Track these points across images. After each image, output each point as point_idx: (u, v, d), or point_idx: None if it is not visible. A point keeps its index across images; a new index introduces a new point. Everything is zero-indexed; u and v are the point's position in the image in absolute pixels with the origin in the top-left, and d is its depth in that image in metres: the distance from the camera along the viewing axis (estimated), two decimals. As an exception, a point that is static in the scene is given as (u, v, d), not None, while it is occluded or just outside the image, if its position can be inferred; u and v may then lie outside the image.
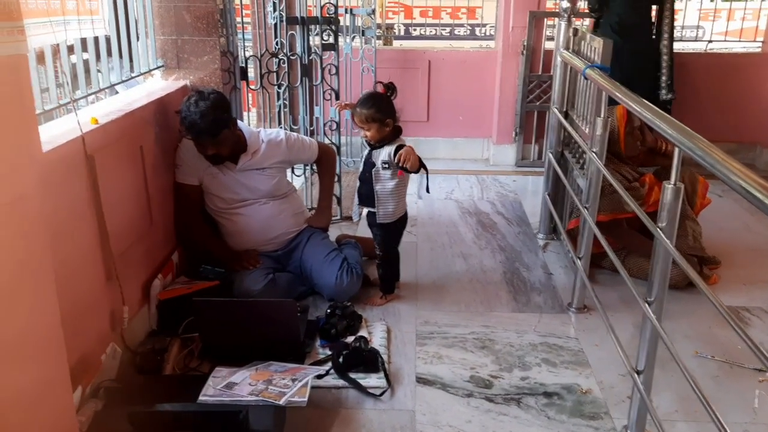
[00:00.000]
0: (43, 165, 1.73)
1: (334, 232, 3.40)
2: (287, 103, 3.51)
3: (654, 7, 4.14)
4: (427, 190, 2.70)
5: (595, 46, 2.81)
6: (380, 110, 2.53)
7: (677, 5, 4.46)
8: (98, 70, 2.32)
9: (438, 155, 4.93)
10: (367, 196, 2.67)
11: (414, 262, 3.16)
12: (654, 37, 4.16)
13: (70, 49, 2.19)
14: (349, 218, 3.71)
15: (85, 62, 2.26)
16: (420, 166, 2.51)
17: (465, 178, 4.51)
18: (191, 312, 2.28)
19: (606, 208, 2.83)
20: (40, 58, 2.05)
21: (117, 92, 2.66)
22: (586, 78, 2.67)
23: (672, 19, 4.16)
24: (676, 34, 4.46)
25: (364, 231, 3.12)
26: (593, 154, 2.50)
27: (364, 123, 2.54)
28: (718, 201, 3.67)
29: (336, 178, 3.56)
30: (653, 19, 4.16)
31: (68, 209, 1.89)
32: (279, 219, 2.79)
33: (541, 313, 2.72)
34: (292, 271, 2.81)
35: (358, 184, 2.72)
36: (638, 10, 4.09)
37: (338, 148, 3.62)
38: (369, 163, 2.64)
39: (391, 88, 2.59)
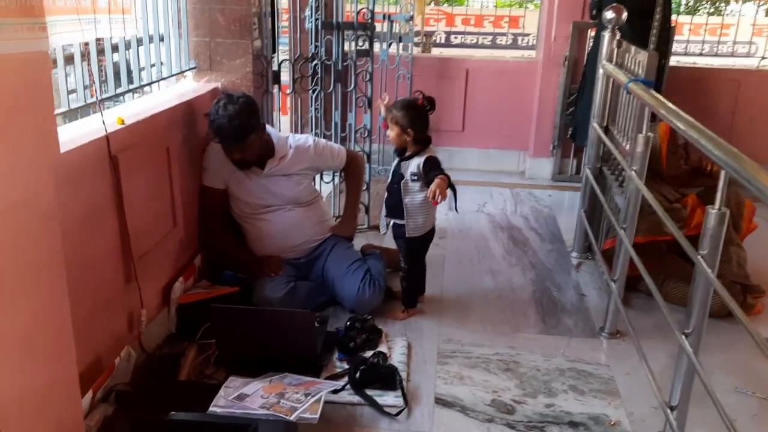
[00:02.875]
0: (64, 164, 1.72)
1: (359, 241, 3.34)
2: (320, 108, 3.47)
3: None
4: (455, 210, 2.61)
5: (640, 59, 2.69)
6: (405, 116, 2.48)
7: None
8: (130, 70, 2.30)
9: (471, 166, 4.83)
10: (394, 207, 2.60)
11: (440, 276, 3.07)
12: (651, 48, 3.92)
13: (104, 50, 2.19)
14: (376, 227, 3.64)
15: (115, 64, 2.25)
16: (448, 186, 2.44)
17: (498, 191, 4.40)
18: (209, 318, 2.24)
19: (644, 230, 2.71)
20: (69, 58, 2.04)
21: (149, 91, 2.66)
22: (629, 92, 2.56)
23: (665, 33, 3.93)
24: (726, 49, 4.27)
25: (390, 241, 3.05)
26: (633, 172, 2.38)
27: (389, 122, 2.53)
28: (766, 226, 3.49)
29: (364, 186, 3.51)
30: (654, 30, 3.93)
31: (89, 209, 1.87)
32: (303, 226, 2.74)
33: (571, 337, 2.61)
34: (314, 280, 2.76)
35: (385, 195, 2.65)
36: (631, 22, 3.83)
37: (368, 156, 3.57)
38: (397, 174, 2.57)
39: (429, 101, 2.52)
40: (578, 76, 4.44)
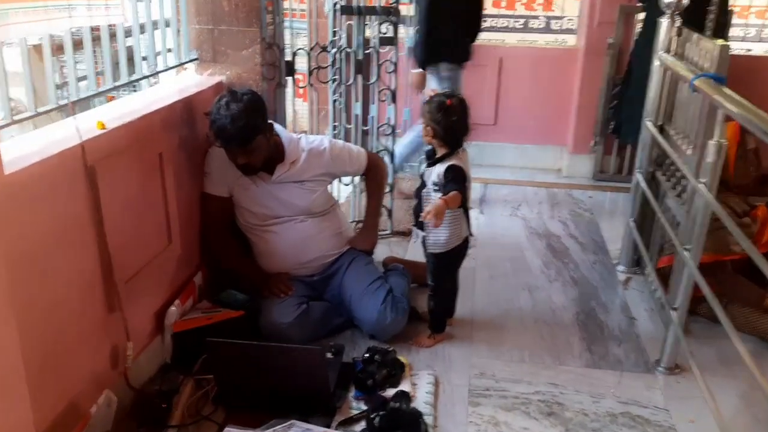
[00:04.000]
0: (26, 180, 1.44)
1: (382, 250, 3.03)
2: (342, 99, 3.15)
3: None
4: (470, 233, 2.32)
5: (708, 50, 2.31)
6: (436, 118, 2.18)
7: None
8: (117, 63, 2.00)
9: (504, 162, 4.47)
10: (419, 217, 2.28)
11: (470, 293, 2.74)
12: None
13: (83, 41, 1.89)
14: (401, 233, 3.33)
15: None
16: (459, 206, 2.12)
17: (534, 191, 4.04)
18: (205, 351, 1.95)
19: (710, 248, 2.34)
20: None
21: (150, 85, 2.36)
22: (694, 90, 2.18)
23: (723, 17, 3.50)
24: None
25: (417, 252, 2.72)
26: (702, 186, 2.02)
27: (423, 121, 2.24)
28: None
29: (388, 188, 3.19)
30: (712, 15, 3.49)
31: (60, 231, 1.58)
32: (317, 239, 2.42)
33: (622, 372, 2.26)
34: (330, 299, 2.45)
35: (415, 201, 2.34)
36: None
37: (392, 154, 3.25)
38: (423, 182, 2.26)
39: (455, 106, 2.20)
40: (623, 66, 4.04)
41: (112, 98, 2.22)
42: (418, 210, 2.30)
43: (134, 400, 1.92)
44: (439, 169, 2.18)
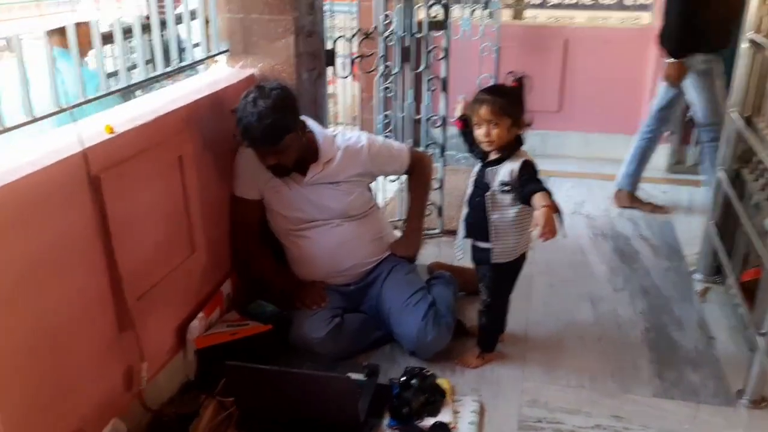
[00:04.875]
0: (17, 195, 1.30)
1: (430, 251, 2.82)
2: (394, 86, 2.94)
3: None
4: (565, 236, 1.93)
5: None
6: (514, 102, 1.89)
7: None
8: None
9: (568, 152, 4.15)
10: (477, 226, 2.01)
11: (526, 304, 2.48)
12: None
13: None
14: (451, 232, 3.09)
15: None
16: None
17: (600, 185, 3.70)
18: (225, 375, 1.80)
19: (806, 263, 2.01)
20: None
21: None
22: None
23: None
24: None
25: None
26: (801, 194, 1.70)
27: (493, 116, 1.87)
28: None
29: (437, 185, 2.97)
30: None
31: (58, 249, 1.44)
32: (354, 245, 2.23)
33: (698, 403, 1.97)
34: (367, 311, 2.26)
35: (464, 210, 2.06)
36: None
37: (443, 146, 3.02)
38: (481, 184, 1.97)
39: (522, 80, 1.93)
40: (704, 46, 3.63)
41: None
42: (470, 221, 2.03)
43: (150, 424, 1.79)
44: (510, 166, 1.91)
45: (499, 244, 1.99)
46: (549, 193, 1.80)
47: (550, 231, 1.70)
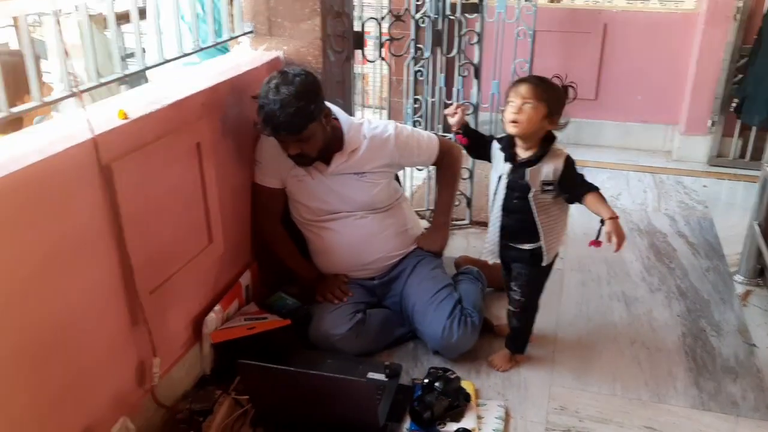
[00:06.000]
0: (19, 185, 1.24)
1: (457, 243, 2.72)
2: (425, 70, 2.83)
3: None
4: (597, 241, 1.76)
5: None
6: (556, 97, 1.77)
7: None
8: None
9: (604, 142, 4.01)
10: (519, 230, 1.88)
11: (556, 303, 2.38)
12: None
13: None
14: (481, 224, 2.99)
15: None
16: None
17: (638, 177, 3.56)
18: (238, 373, 1.74)
19: None
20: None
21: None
22: None
23: None
24: None
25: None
26: None
27: (532, 96, 1.73)
28: None
29: (467, 174, 2.87)
30: None
31: (67, 242, 1.38)
32: (379, 238, 2.14)
33: (737, 416, 1.86)
34: (391, 306, 2.18)
35: (497, 214, 1.90)
36: None
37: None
38: (519, 186, 1.82)
39: (567, 89, 1.81)
40: (752, 34, 3.45)
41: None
42: (509, 225, 1.88)
43: (163, 421, 1.74)
44: (553, 165, 1.79)
45: (551, 242, 1.89)
46: (600, 193, 1.75)
47: (621, 238, 1.67)
